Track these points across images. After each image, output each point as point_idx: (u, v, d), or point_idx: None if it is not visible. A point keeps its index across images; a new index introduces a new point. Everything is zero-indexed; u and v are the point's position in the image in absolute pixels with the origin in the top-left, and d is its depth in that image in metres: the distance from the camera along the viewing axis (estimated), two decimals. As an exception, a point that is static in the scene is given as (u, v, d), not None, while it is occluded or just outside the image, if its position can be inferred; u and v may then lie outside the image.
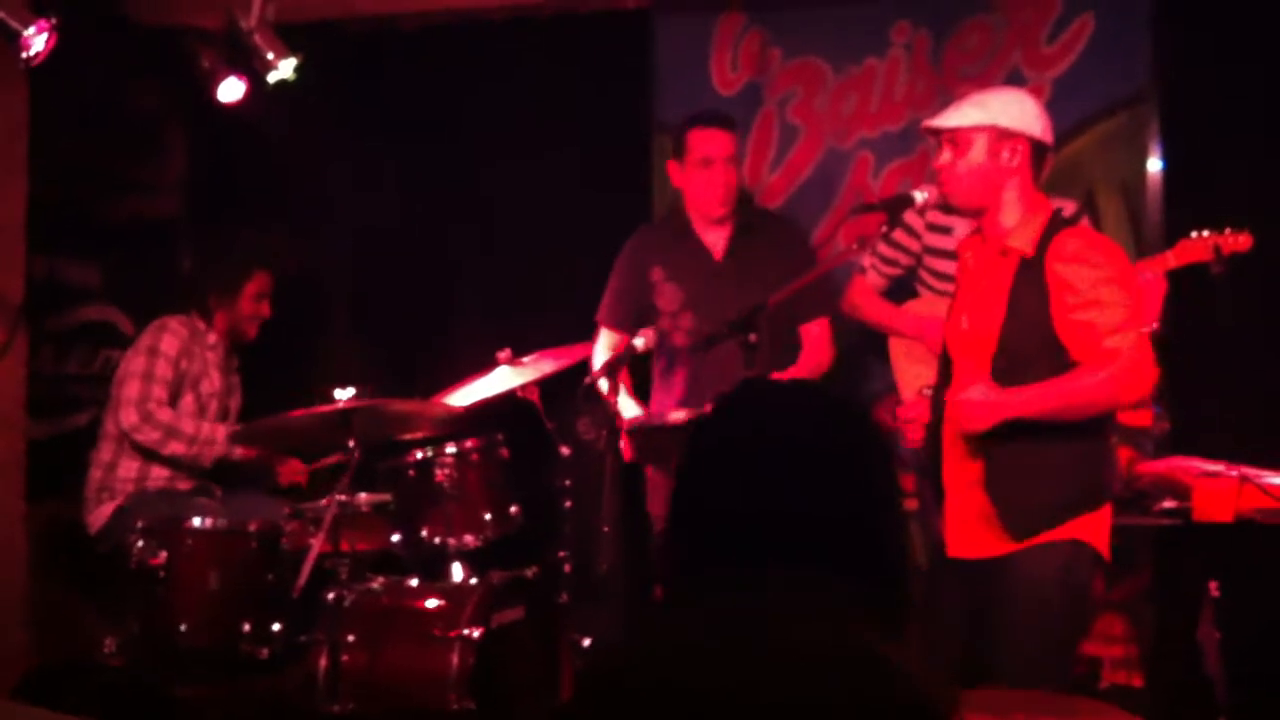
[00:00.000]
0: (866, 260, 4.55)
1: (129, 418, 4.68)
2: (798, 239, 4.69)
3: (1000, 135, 3.29)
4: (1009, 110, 3.32)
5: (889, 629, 1.66)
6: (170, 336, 4.79)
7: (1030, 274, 3.26)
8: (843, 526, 1.68)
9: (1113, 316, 3.16)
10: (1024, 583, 3.27)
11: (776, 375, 4.16)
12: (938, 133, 3.39)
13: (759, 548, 1.68)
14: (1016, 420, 3.17)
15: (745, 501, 1.69)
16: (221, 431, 4.75)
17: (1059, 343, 3.22)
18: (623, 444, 4.07)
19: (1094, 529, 3.30)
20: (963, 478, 3.40)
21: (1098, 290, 3.17)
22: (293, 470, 4.99)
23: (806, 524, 1.67)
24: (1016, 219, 3.33)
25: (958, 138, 3.34)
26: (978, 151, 3.31)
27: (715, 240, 4.46)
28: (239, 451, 4.78)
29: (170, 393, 4.76)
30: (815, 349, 4.45)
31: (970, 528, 3.39)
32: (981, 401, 3.19)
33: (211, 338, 4.92)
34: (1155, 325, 4.06)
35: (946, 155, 3.37)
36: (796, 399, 1.81)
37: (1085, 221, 4.30)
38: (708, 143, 4.36)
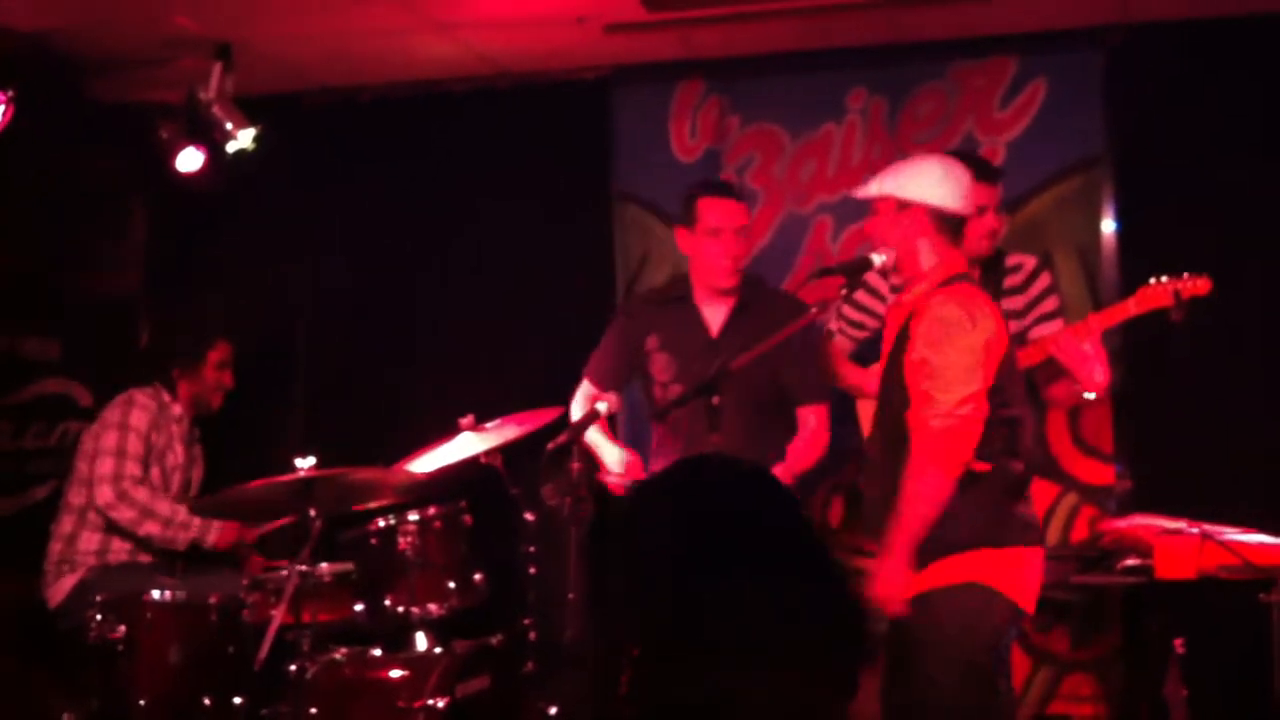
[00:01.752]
0: (833, 324, 4.57)
1: (104, 495, 4.63)
2: (798, 313, 4.51)
3: (900, 205, 3.51)
4: (907, 182, 3.53)
5: (840, 686, 1.66)
6: (139, 411, 4.75)
7: (906, 327, 3.46)
8: (780, 604, 1.67)
9: (930, 382, 3.32)
10: (925, 624, 3.36)
11: (774, 465, 4.10)
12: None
13: (707, 631, 1.67)
14: (905, 554, 3.34)
15: (684, 587, 1.68)
16: (194, 518, 4.70)
17: (909, 398, 3.39)
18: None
19: (998, 572, 3.36)
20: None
21: (928, 350, 3.35)
22: (258, 567, 4.95)
23: (748, 606, 1.66)
24: (923, 276, 3.52)
25: (874, 205, 3.58)
26: (885, 217, 3.56)
27: (714, 314, 4.35)
28: (212, 538, 4.71)
29: (143, 468, 4.71)
30: (809, 438, 4.30)
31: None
32: (884, 588, 3.35)
33: (176, 409, 4.89)
34: (1099, 390, 4.10)
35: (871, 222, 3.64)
36: (725, 479, 1.80)
37: (1038, 276, 4.34)
38: (718, 212, 4.25)
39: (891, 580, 3.35)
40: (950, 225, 3.51)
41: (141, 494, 4.66)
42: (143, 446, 4.72)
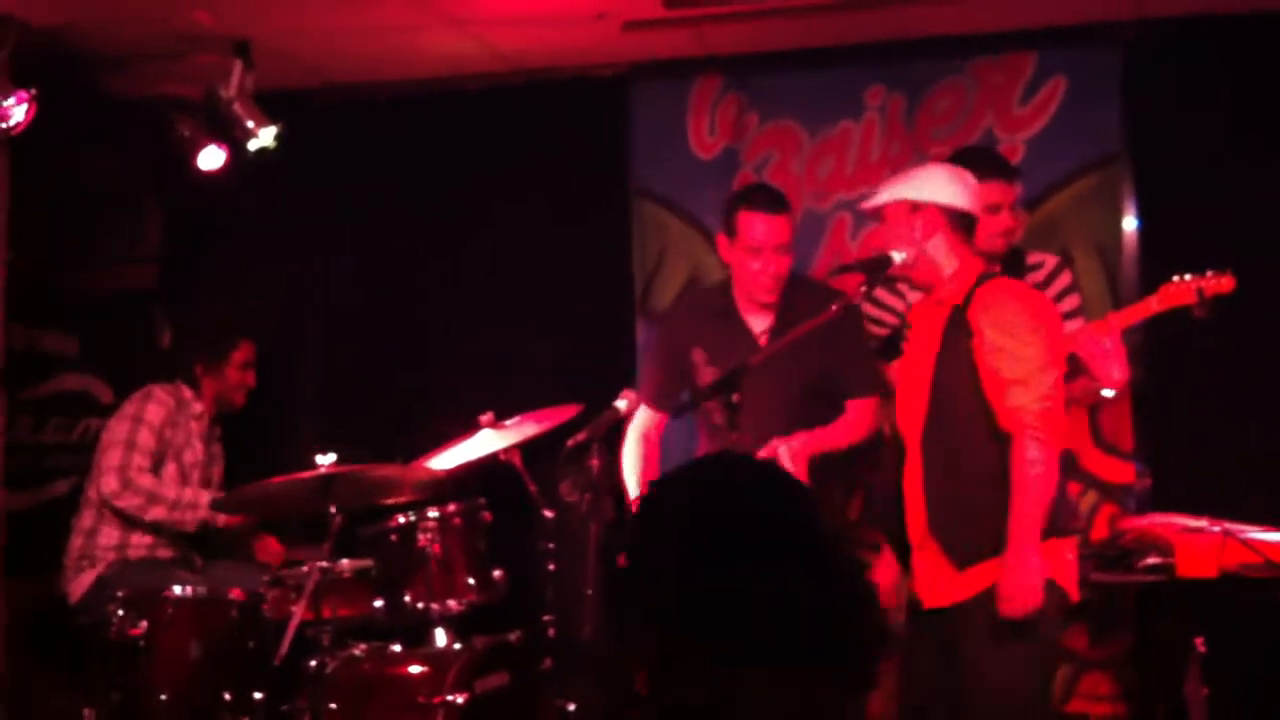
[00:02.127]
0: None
1: (109, 484, 4.64)
2: (846, 315, 4.21)
3: (912, 208, 3.58)
4: (918, 185, 3.61)
5: (855, 689, 1.66)
6: (155, 405, 4.77)
7: (958, 321, 3.48)
8: (795, 602, 1.66)
9: (1017, 368, 3.36)
10: (985, 623, 3.36)
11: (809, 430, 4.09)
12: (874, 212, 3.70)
13: (715, 630, 1.65)
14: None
15: (688, 581, 1.67)
16: (205, 496, 4.72)
17: (982, 389, 3.41)
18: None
19: (1053, 562, 3.37)
20: (920, 529, 3.55)
21: (1006, 339, 3.38)
22: (269, 550, 4.96)
23: (757, 604, 1.65)
24: (949, 276, 3.57)
25: (884, 214, 3.65)
26: (896, 223, 3.61)
27: (758, 323, 4.24)
28: (222, 519, 4.74)
29: (153, 461, 4.73)
30: (853, 423, 4.23)
31: (933, 576, 3.52)
32: (1017, 586, 3.30)
33: (198, 407, 4.91)
34: (1117, 388, 4.08)
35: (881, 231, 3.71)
36: (737, 477, 1.78)
37: (1038, 275, 4.34)
38: (758, 228, 4.10)
39: (1025, 576, 3.31)
40: (963, 224, 3.58)
41: (146, 480, 4.66)
42: (154, 440, 4.73)
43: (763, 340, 4.22)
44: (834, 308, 3.82)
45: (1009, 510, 3.33)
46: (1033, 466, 3.32)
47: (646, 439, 4.41)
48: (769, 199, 4.20)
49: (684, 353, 4.33)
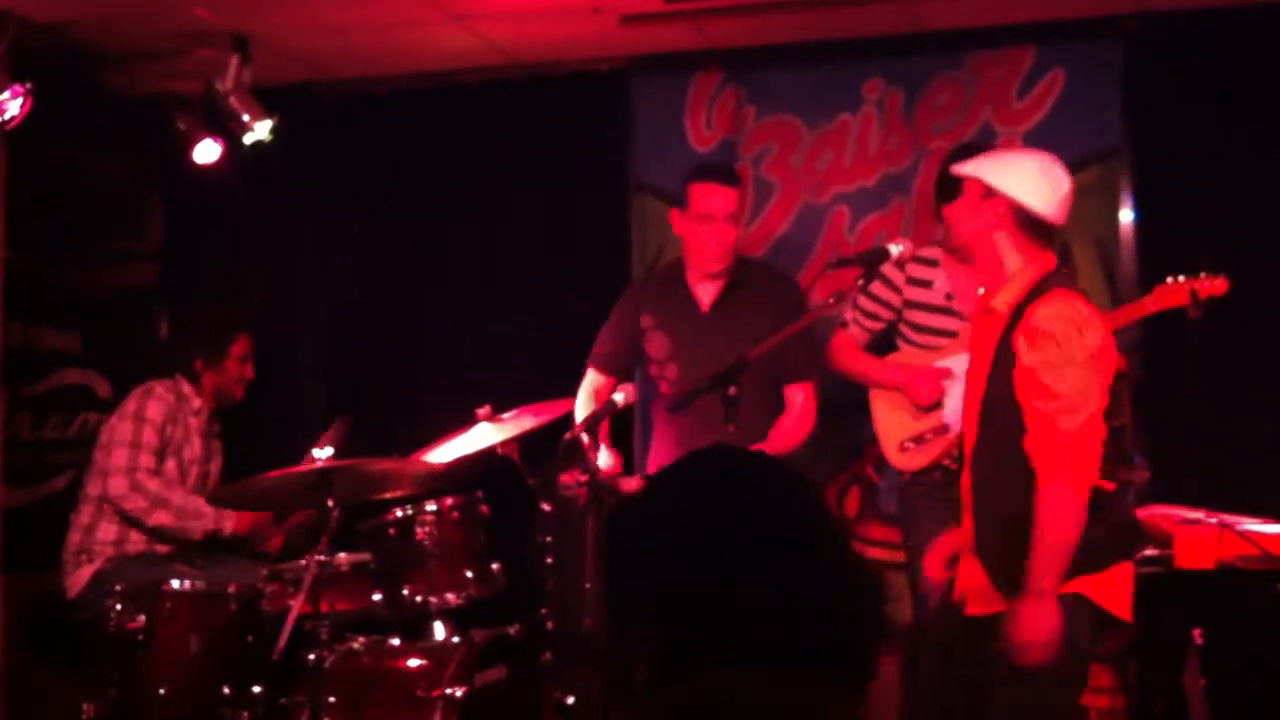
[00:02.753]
0: (848, 314, 4.56)
1: (117, 486, 4.65)
2: (789, 291, 4.55)
3: (986, 192, 3.34)
4: (999, 171, 3.36)
5: (854, 686, 1.66)
6: (156, 402, 4.78)
7: (1006, 339, 3.28)
8: (793, 601, 1.66)
9: (1049, 402, 3.15)
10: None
11: (755, 445, 4.08)
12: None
13: (714, 630, 1.66)
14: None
15: (687, 581, 1.67)
16: (208, 508, 4.71)
17: (1022, 417, 3.21)
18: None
19: (1096, 586, 3.23)
20: (967, 540, 3.43)
21: (1042, 372, 3.16)
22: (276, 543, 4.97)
23: (756, 603, 1.65)
24: (1006, 278, 3.34)
25: (962, 184, 3.44)
26: (968, 201, 3.40)
27: (705, 292, 4.44)
28: (229, 526, 4.73)
29: (157, 460, 4.73)
30: (796, 417, 4.33)
31: (977, 586, 3.38)
32: (1031, 631, 3.14)
33: (196, 403, 4.91)
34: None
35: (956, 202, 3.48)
36: (737, 474, 1.78)
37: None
38: (709, 198, 4.30)
39: (1041, 622, 3.12)
40: (1035, 227, 3.32)
41: (154, 484, 4.68)
42: (158, 438, 4.74)
43: (704, 308, 4.42)
44: (830, 299, 3.84)
45: (1030, 553, 3.14)
46: (1052, 509, 3.13)
47: (597, 397, 4.51)
48: (720, 172, 4.42)
49: (635, 319, 4.52)
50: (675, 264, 4.58)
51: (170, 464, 4.81)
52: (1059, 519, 3.13)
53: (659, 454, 4.55)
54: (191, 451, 4.89)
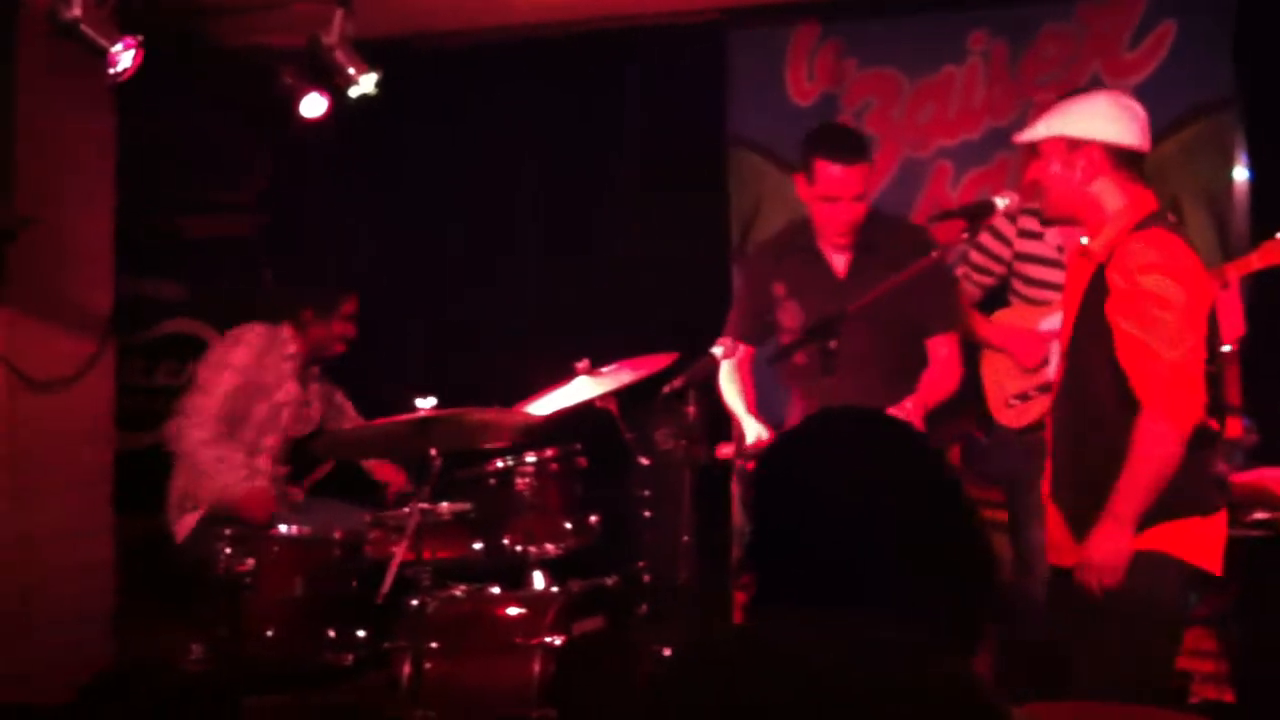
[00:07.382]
0: (959, 270, 4.49)
1: (170, 427, 4.74)
2: (922, 248, 4.14)
3: (1071, 145, 3.27)
4: (1078, 119, 3.28)
5: (963, 649, 1.67)
6: (244, 349, 4.83)
7: (1099, 276, 3.23)
8: (910, 561, 1.69)
9: (1150, 332, 3.10)
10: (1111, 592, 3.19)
11: (900, 401, 3.97)
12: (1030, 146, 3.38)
13: (830, 582, 1.69)
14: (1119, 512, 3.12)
15: (811, 539, 1.70)
16: (239, 486, 4.69)
17: (1115, 353, 3.16)
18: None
19: (1182, 540, 3.18)
20: (1048, 489, 3.42)
21: (1145, 304, 3.11)
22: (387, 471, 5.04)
23: (875, 561, 1.69)
24: (1107, 221, 3.26)
25: (1039, 149, 3.33)
26: (1054, 162, 3.29)
27: (838, 257, 4.22)
28: (242, 497, 4.69)
29: (229, 406, 4.77)
30: (941, 369, 4.18)
31: (1058, 536, 3.38)
32: (1104, 555, 3.13)
33: (292, 348, 4.96)
34: (1233, 343, 3.95)
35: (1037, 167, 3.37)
36: (860, 434, 1.79)
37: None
38: (834, 182, 4.04)
39: (1113, 547, 3.11)
40: (1130, 161, 3.25)
41: (190, 439, 4.70)
42: (236, 381, 4.76)
43: (841, 274, 4.20)
44: (934, 254, 3.79)
45: (1118, 481, 3.12)
46: (1152, 441, 3.08)
47: (739, 369, 4.37)
48: (847, 147, 4.10)
49: (765, 287, 4.31)
50: (802, 228, 4.30)
51: (261, 406, 4.86)
52: (1156, 450, 3.09)
53: (792, 420, 4.45)
54: (284, 394, 4.93)
